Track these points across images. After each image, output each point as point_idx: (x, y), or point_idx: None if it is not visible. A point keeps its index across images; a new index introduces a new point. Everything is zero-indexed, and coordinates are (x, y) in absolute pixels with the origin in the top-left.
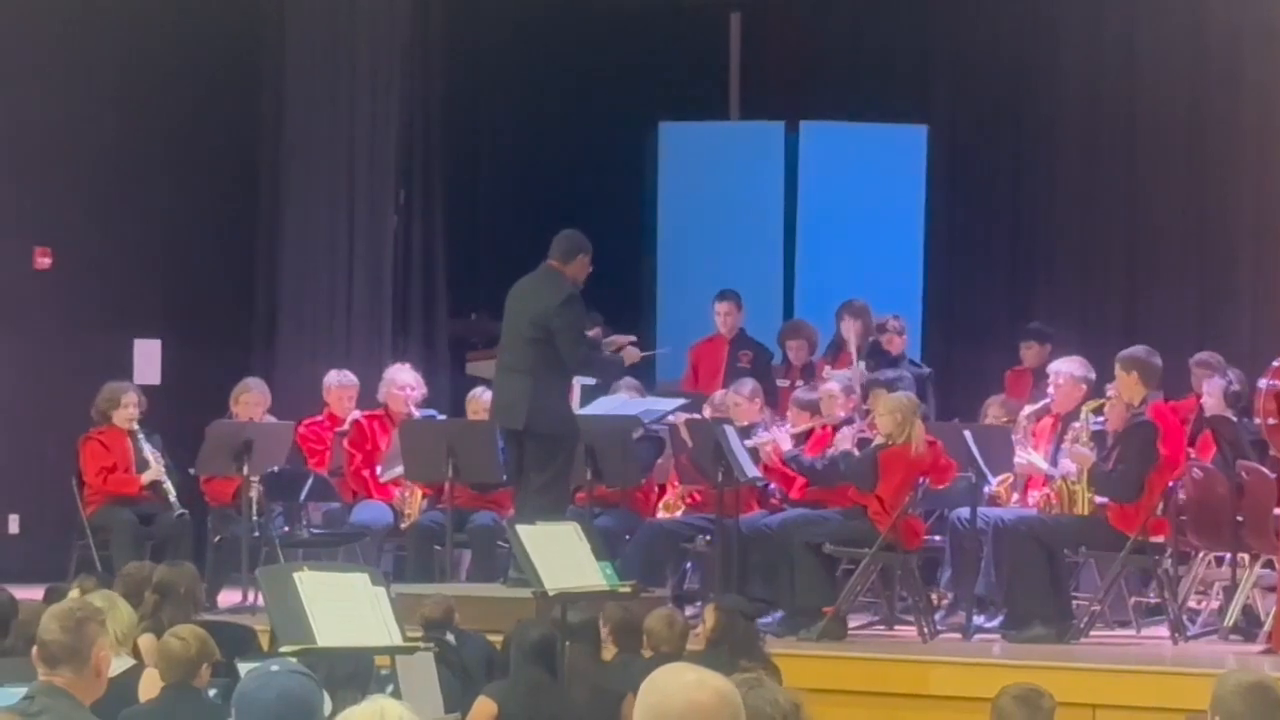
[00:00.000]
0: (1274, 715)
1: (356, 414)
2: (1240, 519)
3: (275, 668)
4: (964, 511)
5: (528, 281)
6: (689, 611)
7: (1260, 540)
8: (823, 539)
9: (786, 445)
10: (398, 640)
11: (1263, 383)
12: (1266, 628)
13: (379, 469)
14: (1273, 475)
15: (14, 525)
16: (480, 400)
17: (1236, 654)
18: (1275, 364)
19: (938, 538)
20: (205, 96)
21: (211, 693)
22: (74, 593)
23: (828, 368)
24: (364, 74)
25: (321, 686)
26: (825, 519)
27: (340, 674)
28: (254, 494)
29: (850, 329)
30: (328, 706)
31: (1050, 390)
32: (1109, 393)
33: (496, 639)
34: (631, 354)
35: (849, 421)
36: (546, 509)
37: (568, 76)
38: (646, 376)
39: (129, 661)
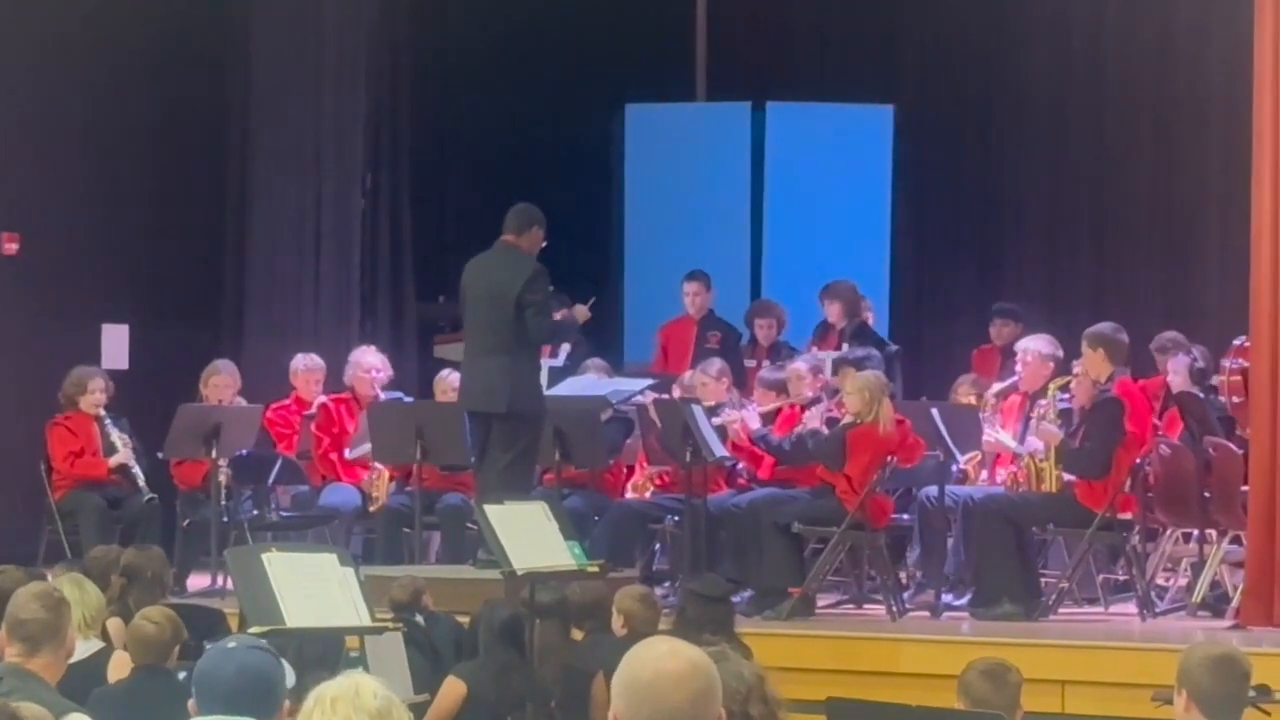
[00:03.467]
0: (1241, 687)
1: (323, 398)
2: (1208, 495)
3: (233, 644)
4: (932, 490)
5: (488, 262)
6: (658, 592)
7: (1228, 516)
8: (791, 518)
9: (755, 424)
10: (366, 621)
11: (1226, 362)
12: (1234, 603)
13: (347, 449)
14: (1240, 451)
15: None
16: (448, 382)
17: (1205, 630)
18: (1236, 343)
19: (906, 516)
20: (172, 81)
21: (181, 675)
22: (52, 580)
23: (814, 349)
24: (330, 58)
25: (281, 660)
26: (793, 498)
27: (310, 655)
28: (222, 477)
29: (833, 311)
30: (290, 680)
31: (1018, 368)
32: (1075, 370)
33: (466, 620)
34: (581, 312)
35: (817, 401)
36: (511, 487)
37: (534, 58)
38: (615, 357)
39: (98, 644)
